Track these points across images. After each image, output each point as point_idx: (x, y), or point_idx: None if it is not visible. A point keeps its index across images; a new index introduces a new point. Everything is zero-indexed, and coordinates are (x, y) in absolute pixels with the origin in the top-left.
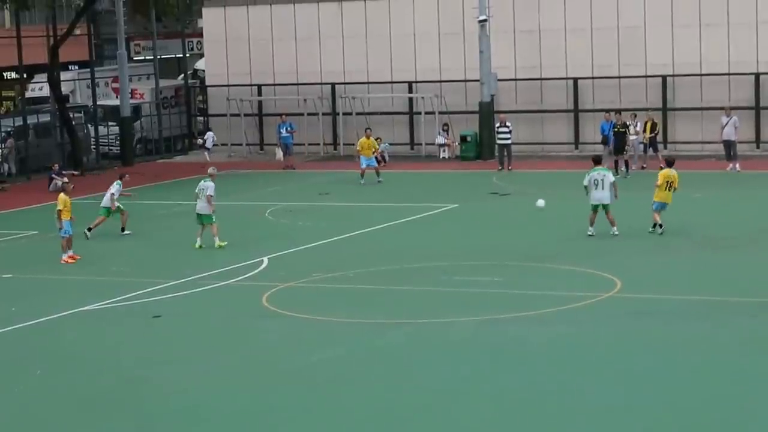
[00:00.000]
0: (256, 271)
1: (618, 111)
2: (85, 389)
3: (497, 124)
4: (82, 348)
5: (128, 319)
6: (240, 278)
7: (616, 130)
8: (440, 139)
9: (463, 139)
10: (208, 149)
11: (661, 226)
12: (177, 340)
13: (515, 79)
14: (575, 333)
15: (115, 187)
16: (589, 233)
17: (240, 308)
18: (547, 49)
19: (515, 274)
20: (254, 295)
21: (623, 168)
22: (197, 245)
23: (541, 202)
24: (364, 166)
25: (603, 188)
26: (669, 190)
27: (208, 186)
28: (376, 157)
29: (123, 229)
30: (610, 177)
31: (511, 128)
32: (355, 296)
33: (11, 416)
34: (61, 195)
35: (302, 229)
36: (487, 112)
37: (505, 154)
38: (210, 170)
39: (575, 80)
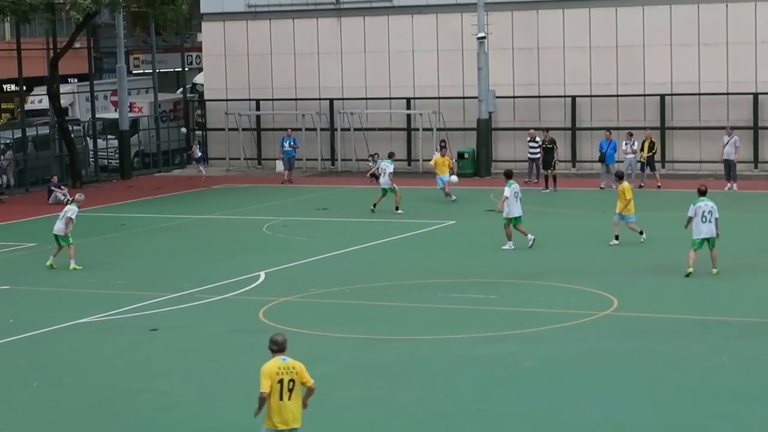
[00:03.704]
0: (253, 285)
1: (546, 129)
2: (82, 401)
3: (527, 139)
4: (79, 360)
5: (125, 332)
6: (237, 292)
7: (543, 146)
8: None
9: (461, 155)
10: (196, 160)
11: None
12: (174, 354)
13: (513, 97)
14: (571, 350)
15: (72, 209)
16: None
17: (237, 322)
18: (546, 66)
19: (512, 291)
20: (251, 309)
21: (553, 185)
22: (48, 263)
23: (454, 178)
24: (441, 185)
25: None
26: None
27: (69, 209)
28: (373, 173)
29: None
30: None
31: (540, 143)
32: (351, 312)
33: (7, 428)
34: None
35: (299, 244)
36: (484, 129)
37: (534, 168)
38: (77, 196)
39: (573, 98)
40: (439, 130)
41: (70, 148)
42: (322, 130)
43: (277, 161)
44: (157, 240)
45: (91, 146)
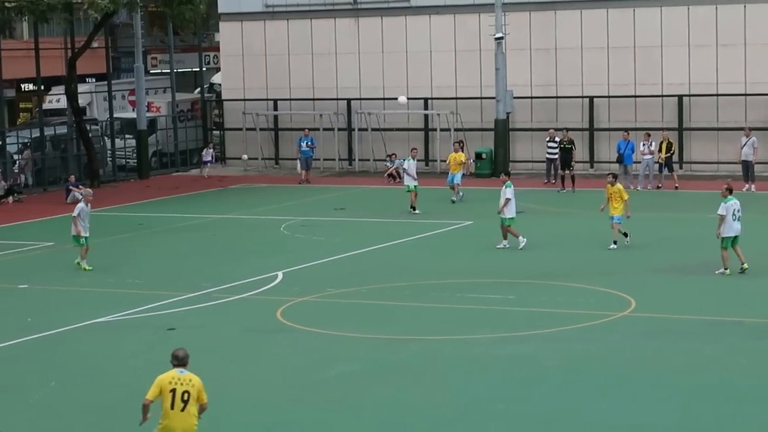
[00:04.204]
0: (270, 285)
1: (565, 129)
2: (99, 401)
3: (546, 139)
4: (96, 359)
5: (142, 332)
6: (255, 292)
7: (562, 146)
8: None
9: (479, 156)
10: (206, 163)
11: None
12: (191, 353)
13: (531, 97)
14: (589, 351)
15: (78, 207)
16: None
17: (254, 322)
18: (563, 67)
19: (530, 292)
20: (269, 309)
21: (571, 186)
22: (80, 264)
23: (402, 99)
24: (455, 182)
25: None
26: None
27: (76, 208)
28: (391, 173)
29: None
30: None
31: (558, 143)
32: (369, 312)
33: (25, 427)
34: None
35: (317, 243)
36: (502, 130)
37: (552, 169)
38: (83, 191)
39: (591, 99)
40: (456, 130)
41: (87, 147)
42: (339, 130)
43: (297, 162)
44: (174, 239)
45: (108, 146)
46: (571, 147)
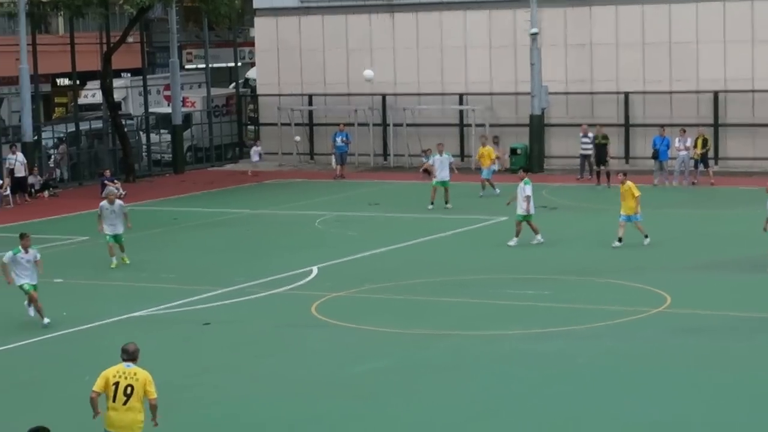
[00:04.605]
0: (305, 280)
1: (600, 125)
2: None
3: (580, 135)
4: None
5: (177, 326)
6: (289, 287)
7: (596, 142)
8: None
9: (513, 151)
10: (255, 161)
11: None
12: (225, 348)
13: (566, 93)
14: (622, 348)
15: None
16: None
17: (289, 317)
18: (599, 62)
19: (564, 288)
20: (303, 304)
21: (606, 181)
22: (122, 260)
23: (369, 73)
24: (483, 176)
25: None
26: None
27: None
28: (426, 169)
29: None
30: None
31: (592, 138)
32: (403, 307)
33: (58, 421)
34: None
35: (351, 239)
36: (537, 125)
37: (586, 165)
38: (106, 190)
39: (626, 94)
40: (491, 126)
41: (123, 142)
42: (374, 125)
43: (332, 157)
44: (209, 234)
45: (144, 140)
46: (606, 143)
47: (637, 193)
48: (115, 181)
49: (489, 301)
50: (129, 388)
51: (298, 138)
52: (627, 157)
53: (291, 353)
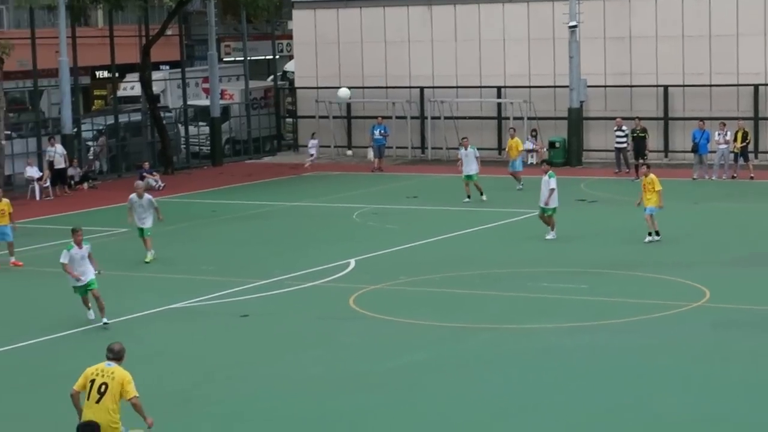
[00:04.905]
0: (343, 272)
1: (638, 118)
2: (170, 387)
3: (614, 128)
4: (168, 346)
5: (216, 318)
6: (327, 279)
7: (635, 135)
8: (528, 145)
9: (552, 145)
10: (312, 155)
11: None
12: (263, 340)
13: (605, 86)
14: (660, 342)
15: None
16: None
17: (327, 309)
18: (638, 55)
19: (602, 282)
20: (341, 296)
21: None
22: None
23: (344, 92)
24: (511, 169)
25: None
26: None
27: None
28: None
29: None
30: None
31: (626, 132)
32: (441, 300)
33: None
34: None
35: (389, 232)
36: (576, 119)
37: (622, 158)
38: (135, 183)
39: (665, 88)
40: (529, 119)
41: (161, 134)
42: (412, 118)
43: (368, 150)
44: (247, 226)
45: (182, 133)
46: (644, 136)
47: (658, 188)
48: (154, 173)
49: (525, 294)
50: (103, 386)
51: (350, 152)
52: (666, 150)
53: (328, 345)
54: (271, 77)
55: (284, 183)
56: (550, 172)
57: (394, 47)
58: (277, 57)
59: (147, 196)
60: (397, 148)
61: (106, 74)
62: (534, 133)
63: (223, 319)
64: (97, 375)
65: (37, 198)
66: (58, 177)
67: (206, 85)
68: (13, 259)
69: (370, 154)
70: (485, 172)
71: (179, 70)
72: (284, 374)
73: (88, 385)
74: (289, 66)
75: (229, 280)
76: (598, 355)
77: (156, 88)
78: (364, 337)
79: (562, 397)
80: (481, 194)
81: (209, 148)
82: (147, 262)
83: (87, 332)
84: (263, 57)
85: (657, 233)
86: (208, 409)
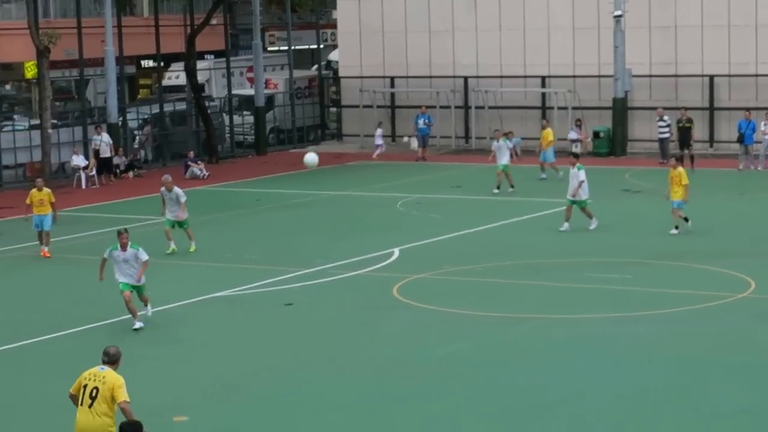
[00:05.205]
0: (387, 261)
1: (684, 108)
2: (216, 375)
3: (656, 118)
4: (212, 334)
5: (260, 307)
6: (371, 268)
7: (680, 126)
8: (573, 135)
9: (596, 134)
10: (379, 146)
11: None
12: (307, 329)
13: (650, 76)
14: (706, 333)
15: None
16: None
17: (371, 298)
18: (683, 45)
19: (647, 272)
20: (385, 285)
21: (690, 165)
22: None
23: (311, 158)
24: (547, 160)
25: None
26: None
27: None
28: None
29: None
30: None
31: (669, 122)
32: (484, 290)
33: (145, 401)
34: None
35: (433, 221)
36: (620, 109)
37: (666, 148)
38: (163, 177)
39: (711, 78)
40: (574, 108)
41: (206, 123)
42: (456, 107)
43: (412, 139)
44: (290, 215)
45: (227, 122)
46: (690, 126)
47: (685, 181)
48: (199, 162)
49: (569, 284)
50: (94, 391)
51: (406, 140)
52: (711, 141)
53: (372, 335)
54: (316, 67)
55: (328, 172)
56: (579, 164)
57: (438, 36)
58: (322, 46)
59: (176, 189)
60: (440, 137)
61: (151, 63)
62: (578, 123)
63: (268, 308)
64: (90, 379)
65: (83, 186)
66: (104, 166)
67: (251, 75)
68: (45, 249)
69: (414, 143)
70: (530, 162)
71: (224, 59)
72: (328, 363)
73: (81, 389)
74: (333, 55)
75: (273, 268)
76: (641, 346)
77: (201, 77)
78: (408, 327)
79: (606, 387)
80: (511, 186)
81: (253, 137)
82: (192, 251)
83: (131, 320)
84: (307, 46)
85: (686, 219)
86: (254, 397)
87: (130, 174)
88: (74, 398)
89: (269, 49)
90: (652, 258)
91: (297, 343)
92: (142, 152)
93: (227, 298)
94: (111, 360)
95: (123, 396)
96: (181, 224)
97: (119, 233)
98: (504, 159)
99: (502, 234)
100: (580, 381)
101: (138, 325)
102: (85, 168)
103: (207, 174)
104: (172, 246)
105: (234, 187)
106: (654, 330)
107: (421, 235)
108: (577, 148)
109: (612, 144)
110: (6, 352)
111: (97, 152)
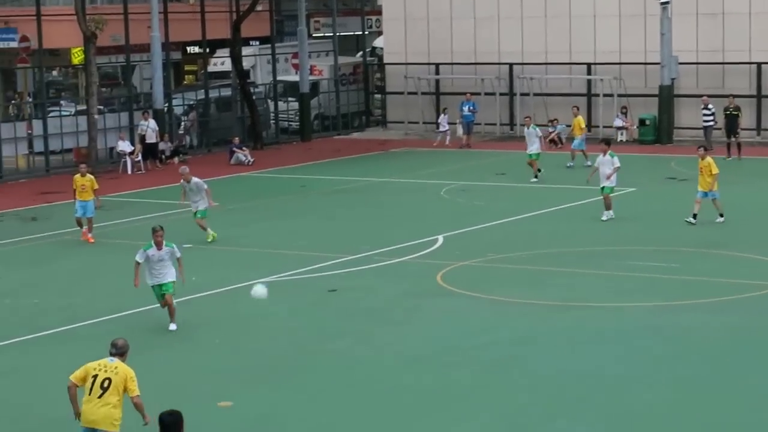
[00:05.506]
0: (431, 249)
1: (732, 96)
2: (261, 360)
3: (701, 106)
4: (258, 319)
5: (304, 292)
6: (415, 255)
7: (728, 113)
8: (618, 122)
9: (642, 122)
10: (445, 131)
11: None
12: (351, 315)
13: (697, 63)
14: (752, 322)
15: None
16: None
17: (415, 285)
18: (731, 32)
19: (694, 261)
20: (429, 272)
21: (737, 153)
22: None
23: (260, 291)
24: (579, 147)
25: None
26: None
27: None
28: (553, 139)
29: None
30: None
31: (713, 110)
32: (529, 277)
33: (193, 383)
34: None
35: (477, 208)
36: (667, 96)
37: (711, 136)
38: (181, 169)
39: (759, 65)
40: (619, 96)
41: (251, 109)
42: (501, 94)
43: (457, 126)
44: (335, 202)
45: (272, 108)
46: (738, 114)
47: (715, 171)
48: (243, 148)
49: (615, 272)
50: (107, 382)
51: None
52: (759, 128)
53: (416, 321)
54: (360, 53)
55: (372, 159)
56: (611, 151)
57: (483, 23)
58: (366, 33)
59: (195, 179)
60: (485, 124)
61: (196, 49)
62: (624, 111)
63: (311, 294)
64: (100, 370)
65: (129, 172)
66: (150, 151)
67: (296, 61)
68: (89, 234)
69: (459, 130)
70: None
71: (269, 45)
72: (372, 349)
73: (90, 380)
74: (378, 42)
75: (317, 254)
76: (689, 334)
77: (246, 63)
78: (452, 314)
79: (654, 375)
80: (536, 173)
81: (298, 123)
82: (210, 241)
83: (178, 305)
84: (352, 33)
85: (721, 215)
86: (297, 382)
87: (175, 160)
88: (73, 390)
89: (314, 35)
90: (699, 246)
91: (340, 329)
92: (187, 138)
93: (272, 283)
94: (119, 352)
95: (136, 390)
96: (198, 213)
97: (154, 230)
98: (533, 147)
99: (546, 221)
100: (624, 370)
101: (173, 326)
102: (131, 153)
103: (252, 160)
104: (210, 232)
105: (278, 173)
106: (699, 318)
107: (465, 222)
108: (622, 136)
109: (658, 132)
110: (52, 336)
111: (143, 138)
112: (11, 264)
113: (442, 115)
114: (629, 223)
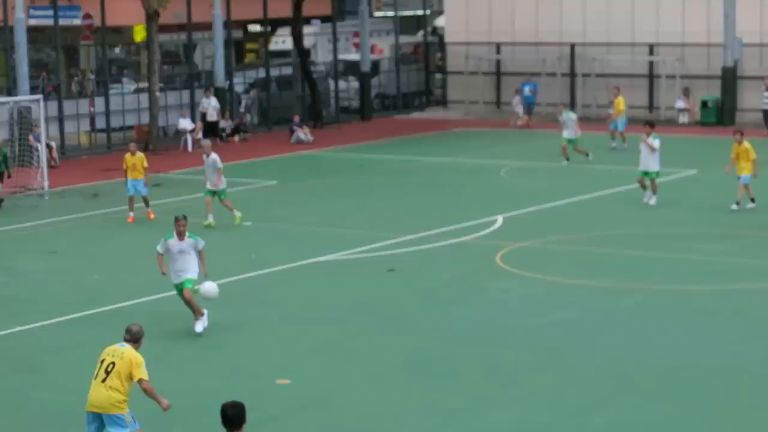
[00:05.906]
0: (490, 229)
1: None
2: (319, 337)
3: (763, 88)
4: (317, 298)
5: (363, 271)
6: (474, 236)
7: None
8: (680, 104)
9: (704, 104)
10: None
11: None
12: (410, 295)
13: (761, 45)
14: None
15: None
16: None
17: (473, 266)
18: None
19: (755, 245)
20: (488, 253)
21: None
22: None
23: (209, 289)
24: (619, 128)
25: None
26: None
27: (217, 159)
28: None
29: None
30: None
31: None
32: (589, 259)
33: (246, 361)
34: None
35: (537, 189)
36: (730, 78)
37: (766, 119)
38: (203, 142)
39: None
40: (682, 77)
41: (312, 88)
42: (562, 75)
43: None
44: (394, 181)
45: (332, 87)
46: None
47: (753, 156)
48: (304, 126)
49: (675, 255)
50: (111, 366)
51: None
52: None
53: (475, 302)
54: (421, 33)
55: (432, 138)
56: (654, 134)
57: (545, 3)
58: (428, 12)
59: (213, 155)
60: (546, 105)
61: (258, 28)
62: (686, 92)
63: (370, 273)
64: (108, 354)
65: (189, 149)
66: (210, 129)
67: (357, 40)
68: (149, 210)
69: (520, 110)
70: (632, 130)
71: (330, 24)
72: (430, 329)
73: (98, 364)
74: (439, 21)
75: (376, 234)
76: (751, 318)
77: (307, 42)
78: (512, 294)
79: (718, 359)
80: (567, 159)
81: (358, 102)
82: (238, 224)
83: (237, 282)
84: (413, 12)
85: (752, 200)
86: (356, 361)
87: (236, 138)
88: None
89: (375, 14)
90: (759, 229)
91: (398, 309)
92: (248, 116)
93: (331, 262)
94: (133, 338)
95: (141, 374)
96: (218, 194)
97: (177, 219)
98: (567, 132)
99: (606, 203)
100: (685, 353)
101: (200, 328)
102: (192, 131)
103: (312, 139)
104: (210, 219)
105: (338, 152)
106: (760, 302)
107: (525, 202)
108: (684, 118)
109: (720, 114)
110: (106, 312)
111: (204, 116)
112: (73, 240)
113: (517, 97)
114: (686, 206)
